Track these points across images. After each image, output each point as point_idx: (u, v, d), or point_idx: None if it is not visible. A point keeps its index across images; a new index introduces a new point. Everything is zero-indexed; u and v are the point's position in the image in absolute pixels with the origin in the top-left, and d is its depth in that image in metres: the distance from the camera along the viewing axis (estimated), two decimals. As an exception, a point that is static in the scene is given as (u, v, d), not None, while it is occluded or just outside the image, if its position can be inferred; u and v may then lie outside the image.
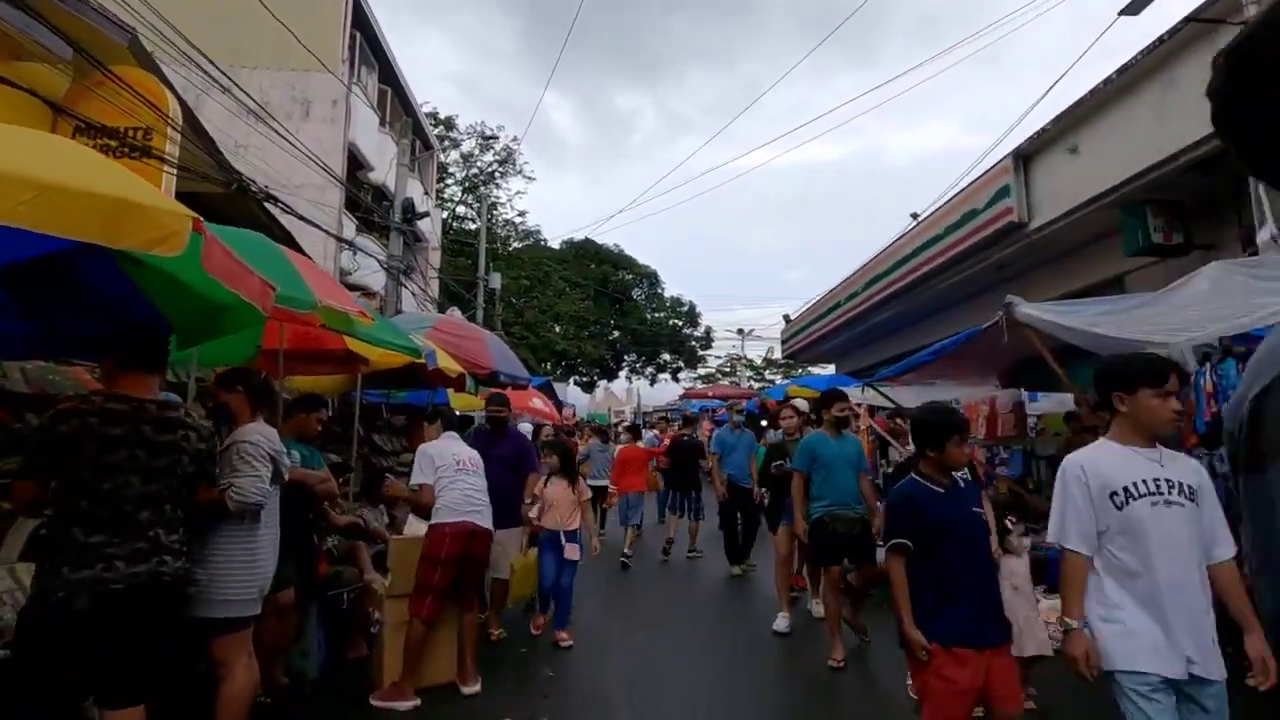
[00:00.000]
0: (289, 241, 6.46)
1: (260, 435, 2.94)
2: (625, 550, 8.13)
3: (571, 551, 4.99)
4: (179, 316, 2.71)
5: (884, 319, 15.65)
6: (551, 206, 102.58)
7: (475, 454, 4.38)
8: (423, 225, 19.92)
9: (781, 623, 5.35)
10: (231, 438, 2.92)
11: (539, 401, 12.80)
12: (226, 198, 6.59)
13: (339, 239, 12.43)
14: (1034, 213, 9.09)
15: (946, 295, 13.21)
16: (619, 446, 9.86)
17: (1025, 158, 9.18)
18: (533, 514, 5.10)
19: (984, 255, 10.39)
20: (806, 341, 20.09)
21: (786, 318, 21.71)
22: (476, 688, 3.96)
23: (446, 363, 5.30)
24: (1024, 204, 9.15)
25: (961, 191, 10.61)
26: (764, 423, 18.37)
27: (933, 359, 5.77)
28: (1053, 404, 9.32)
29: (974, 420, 7.91)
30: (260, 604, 2.87)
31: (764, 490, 6.50)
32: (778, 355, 43.33)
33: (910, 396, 7.59)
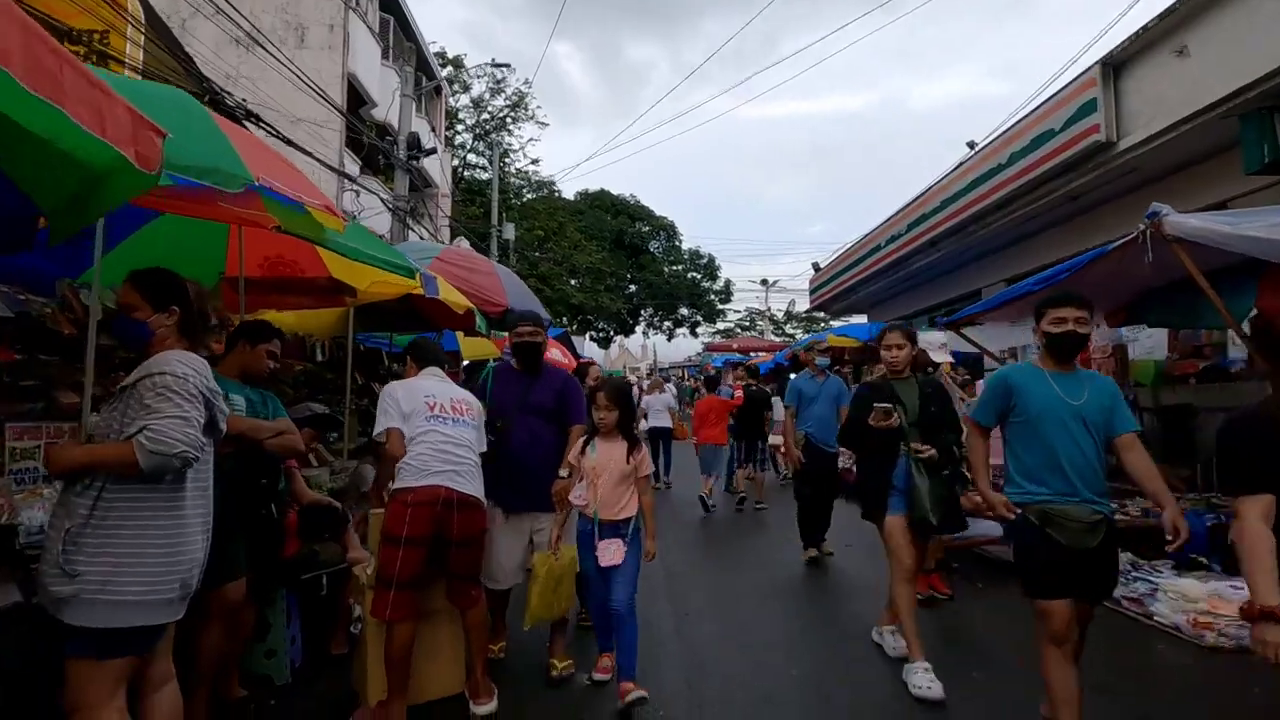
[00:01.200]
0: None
1: (186, 365, 2.05)
2: (706, 496, 8.71)
3: (611, 553, 3.22)
4: (34, 184, 1.79)
5: (926, 264, 14.53)
6: (565, 160, 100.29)
7: (465, 396, 3.33)
8: (432, 169, 18.88)
9: (921, 679, 3.32)
10: (142, 368, 2.04)
11: (558, 353, 11.91)
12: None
13: (340, 173, 11.43)
14: (1125, 130, 7.90)
15: (1001, 235, 12.05)
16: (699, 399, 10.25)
17: (1116, 67, 7.95)
18: (573, 496, 3.35)
19: (1055, 185, 9.22)
20: (837, 290, 18.95)
21: (816, 266, 20.53)
22: (491, 706, 3.03)
23: (451, 295, 4.40)
24: (1113, 121, 7.96)
25: (1033, 112, 9.38)
26: (793, 375, 17.53)
27: (1036, 288, 4.77)
28: (1143, 349, 8.31)
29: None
30: (184, 605, 2.02)
31: (848, 454, 5.49)
32: (800, 308, 42.38)
33: (992, 340, 6.62)
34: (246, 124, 6.29)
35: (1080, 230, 10.10)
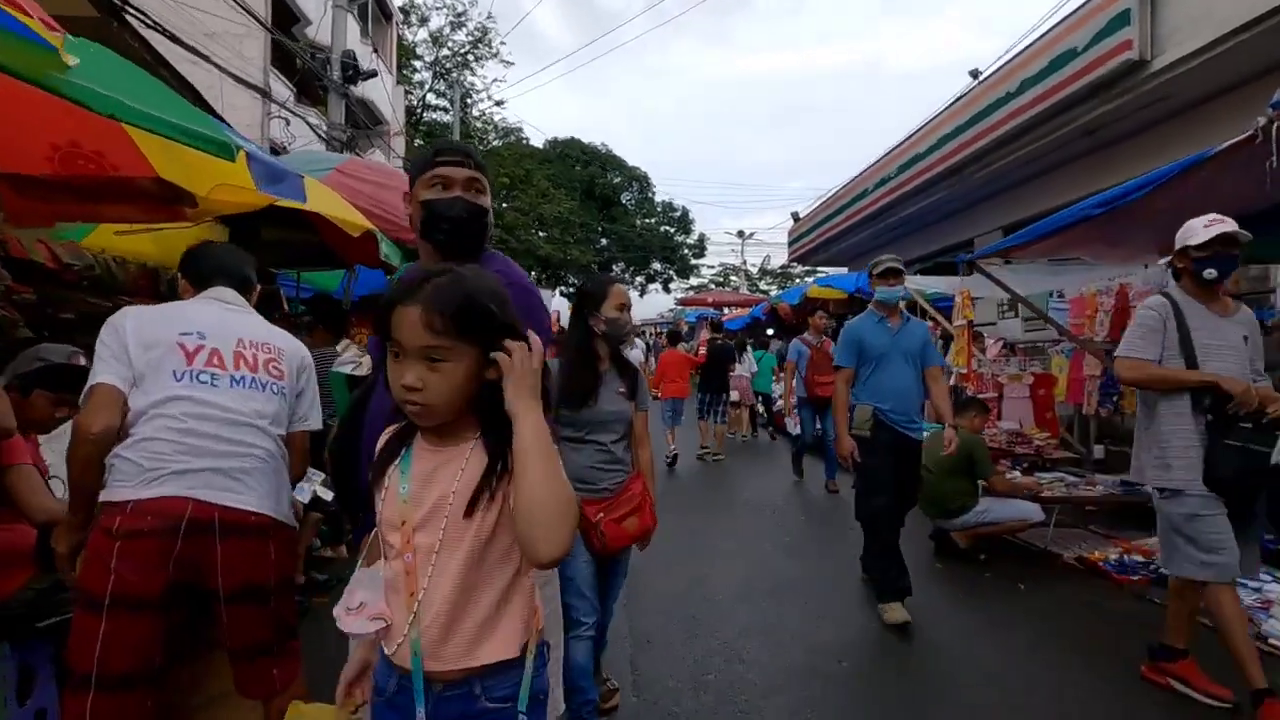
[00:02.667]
0: (196, 98, 4.02)
1: None
2: (670, 447, 8.69)
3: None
4: None
5: (916, 210, 13.56)
6: (533, 111, 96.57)
7: (275, 341, 2.09)
8: (380, 103, 17.21)
9: None
10: None
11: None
12: (97, 26, 4.21)
13: (261, 92, 9.90)
14: (1160, 48, 6.88)
15: (1001, 177, 11.09)
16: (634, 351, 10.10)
17: (1155, -29, 6.89)
18: None
19: (1073, 115, 8.21)
20: (818, 241, 17.92)
21: (795, 215, 19.42)
22: None
23: (337, 209, 3.24)
24: (1147, 36, 6.93)
25: (1051, 31, 8.29)
26: (770, 331, 16.62)
27: (1097, 212, 3.77)
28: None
29: (1089, 319, 6.05)
30: None
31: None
32: (775, 264, 41.36)
33: (1017, 284, 5.68)
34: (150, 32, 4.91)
35: (1090, 171, 9.15)
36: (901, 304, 4.10)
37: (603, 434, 2.47)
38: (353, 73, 10.43)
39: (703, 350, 9.71)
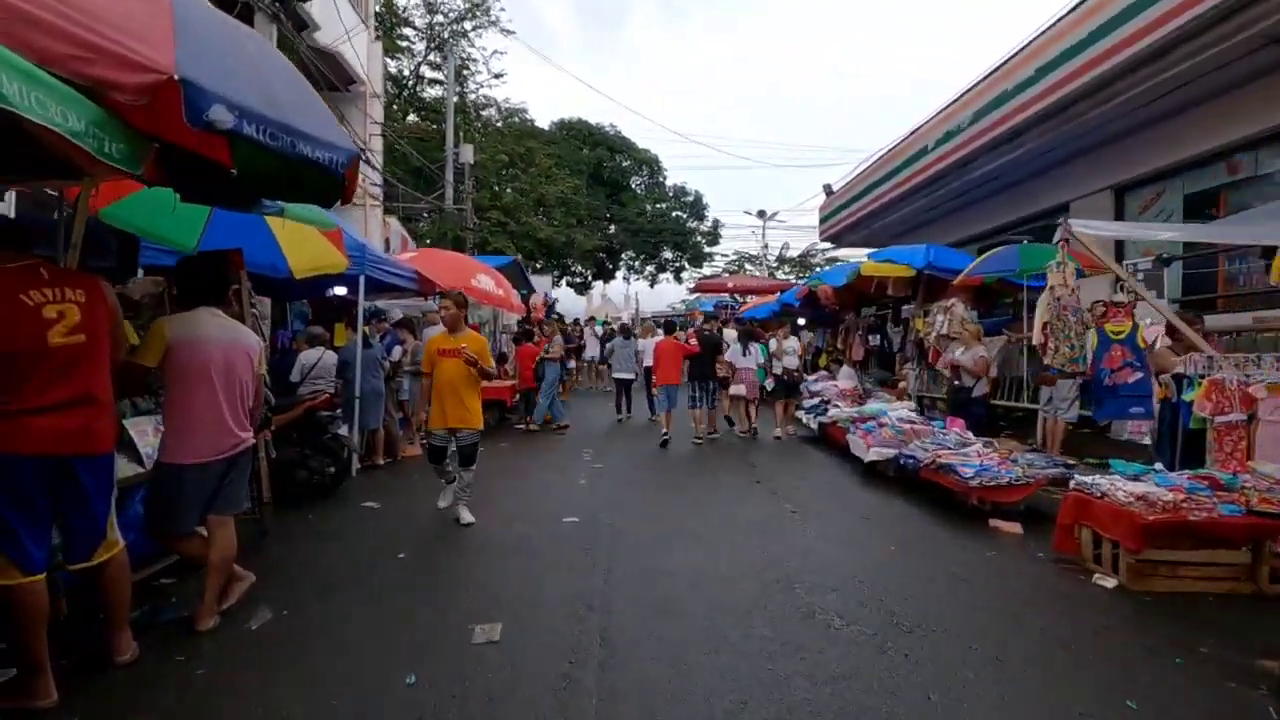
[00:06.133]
0: None
1: None
2: (664, 431, 9.06)
3: None
4: None
5: (993, 169, 11.25)
6: (539, 96, 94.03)
7: None
8: (350, 58, 14.99)
9: None
10: None
11: (485, 280, 8.57)
12: None
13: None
14: None
15: (1109, 123, 8.83)
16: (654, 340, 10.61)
17: None
18: None
19: (1222, 31, 5.91)
20: (856, 217, 15.63)
21: (828, 189, 17.11)
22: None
23: None
24: None
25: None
26: (800, 322, 14.37)
27: None
28: None
29: None
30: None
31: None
32: (792, 251, 38.94)
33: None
34: None
35: (1245, 108, 6.89)
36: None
37: None
38: (289, -8, 8.25)
39: (694, 340, 9.89)
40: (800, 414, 9.67)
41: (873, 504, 5.76)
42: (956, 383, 7.37)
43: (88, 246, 4.64)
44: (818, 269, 37.19)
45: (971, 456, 5.49)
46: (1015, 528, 4.90)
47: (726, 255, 40.18)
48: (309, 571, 4.05)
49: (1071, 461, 5.40)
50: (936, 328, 9.36)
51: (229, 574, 3.30)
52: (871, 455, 6.54)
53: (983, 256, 8.29)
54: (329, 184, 3.01)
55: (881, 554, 4.40)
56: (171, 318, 3.11)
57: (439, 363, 4.90)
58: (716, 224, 39.85)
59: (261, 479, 4.65)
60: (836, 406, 9.13)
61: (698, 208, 39.66)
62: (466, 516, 4.98)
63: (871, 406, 8.00)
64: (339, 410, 6.44)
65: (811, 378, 10.93)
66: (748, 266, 37.95)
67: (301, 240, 5.37)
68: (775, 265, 38.67)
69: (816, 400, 9.57)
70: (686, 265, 40.07)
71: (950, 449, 5.82)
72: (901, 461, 6.12)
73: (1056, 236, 4.54)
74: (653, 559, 4.25)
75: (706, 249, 40.01)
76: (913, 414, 7.69)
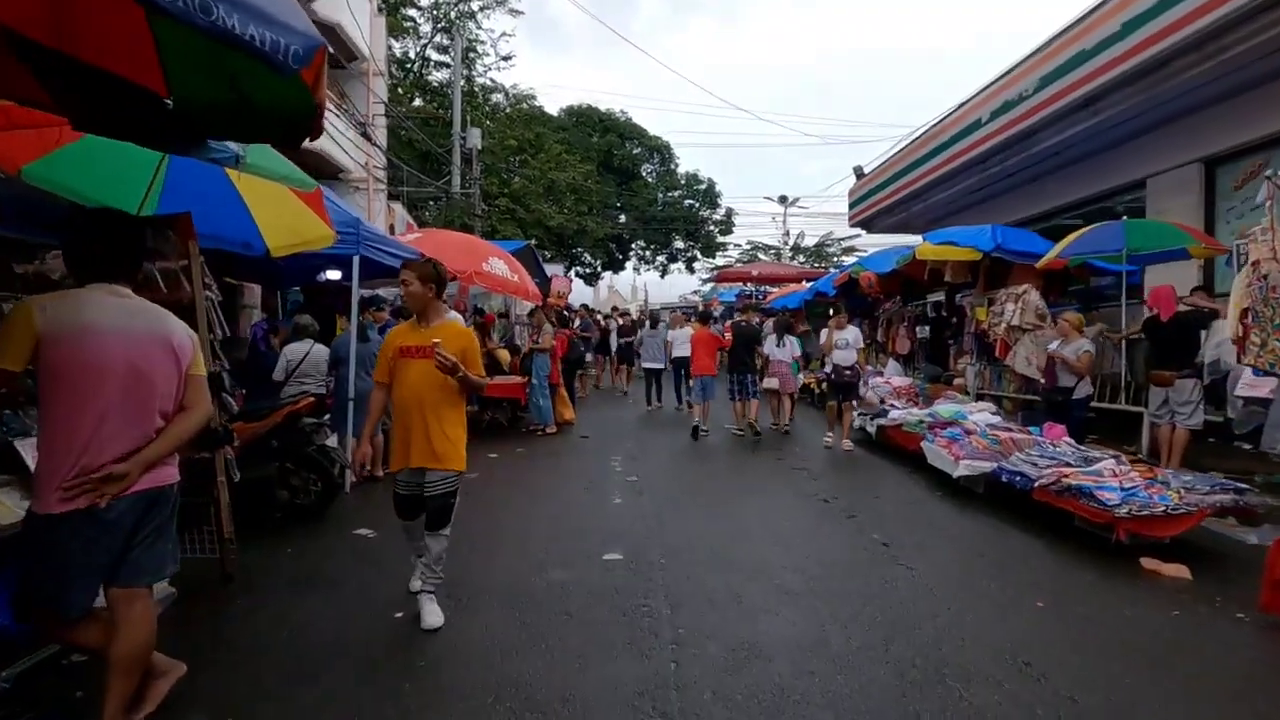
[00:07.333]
0: None
1: None
2: (696, 421, 8.85)
3: None
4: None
5: (1043, 150, 10.13)
6: (549, 86, 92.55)
7: None
8: (350, 29, 13.93)
9: None
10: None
11: (498, 265, 7.52)
12: None
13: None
14: None
15: (1188, 97, 7.79)
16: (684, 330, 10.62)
17: None
18: None
19: None
20: (892, 200, 14.48)
21: (859, 171, 15.94)
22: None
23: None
24: None
25: None
26: (830, 313, 13.27)
27: None
28: None
29: None
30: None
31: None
32: (809, 241, 37.67)
33: None
34: None
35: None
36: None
37: None
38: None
39: (729, 335, 9.83)
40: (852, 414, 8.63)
41: (978, 535, 4.70)
42: (1052, 383, 6.30)
43: (26, 213, 3.66)
44: (835, 260, 36.01)
45: (1106, 476, 4.42)
46: (1180, 571, 3.84)
47: (740, 244, 39.02)
48: (274, 642, 3.03)
49: (1242, 484, 4.33)
50: (1006, 318, 8.30)
51: (144, 670, 2.28)
52: (962, 470, 5.48)
53: (1075, 234, 7.18)
54: (280, 92, 1.98)
55: (1030, 614, 3.35)
56: (45, 299, 2.06)
57: (400, 367, 3.20)
58: (730, 213, 38.63)
59: (221, 510, 3.63)
60: (894, 406, 8.08)
61: (710, 196, 38.45)
62: (432, 617, 3.17)
63: (945, 408, 6.92)
64: (328, 416, 5.42)
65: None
66: (761, 256, 36.72)
67: (277, 209, 4.33)
68: (790, 255, 37.45)
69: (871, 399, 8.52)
70: (699, 254, 38.91)
71: (1073, 465, 4.75)
72: (1004, 479, 5.07)
73: (1261, 194, 3.49)
74: (733, 625, 3.20)
75: (720, 238, 38.83)
76: (996, 417, 6.62)
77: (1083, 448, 5.25)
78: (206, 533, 3.69)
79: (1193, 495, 4.15)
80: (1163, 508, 4.03)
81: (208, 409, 2.36)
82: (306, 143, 2.50)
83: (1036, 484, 4.69)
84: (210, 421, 3.64)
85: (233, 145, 3.00)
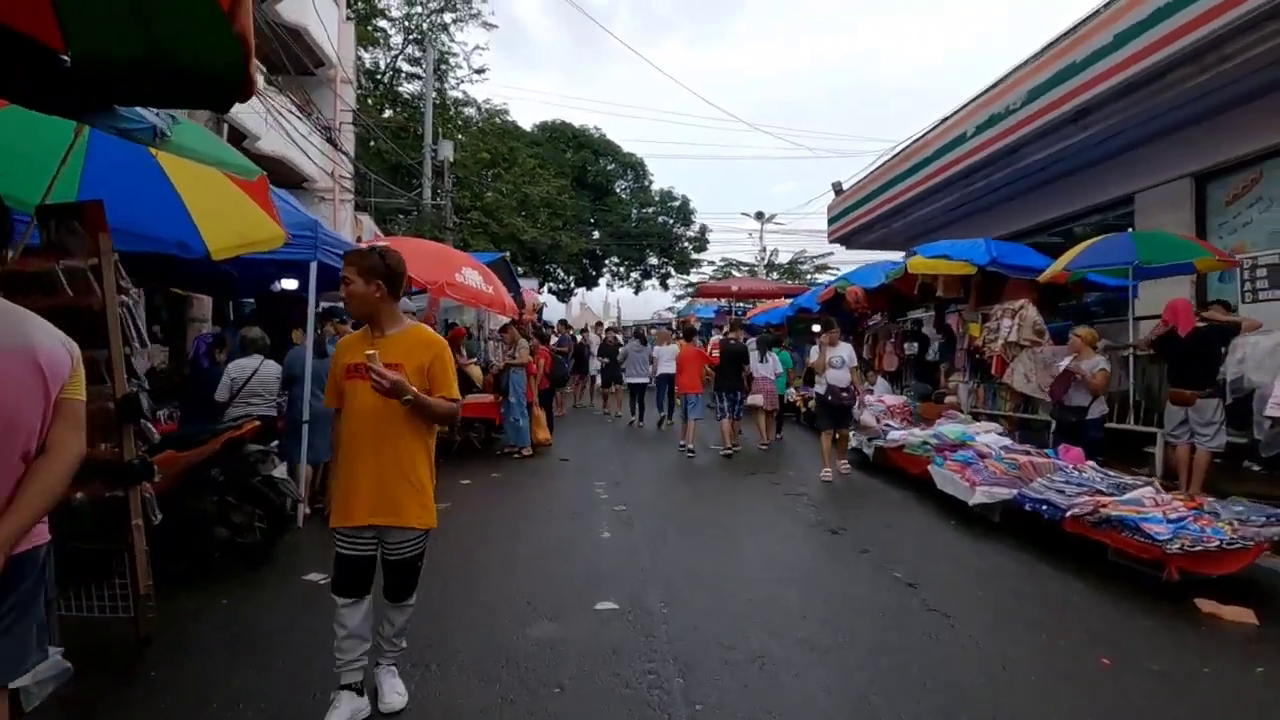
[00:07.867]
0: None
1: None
2: (682, 442, 8.73)
3: None
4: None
5: (1029, 165, 9.98)
6: (522, 103, 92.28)
7: None
8: (315, 30, 13.32)
9: None
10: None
11: (472, 275, 6.97)
12: None
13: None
14: None
15: (1180, 111, 7.67)
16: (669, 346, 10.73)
17: None
18: None
19: None
20: (872, 216, 14.28)
21: (838, 187, 15.75)
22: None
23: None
24: None
25: None
26: (816, 328, 12.93)
27: None
28: None
29: None
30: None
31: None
32: (782, 258, 37.66)
33: None
34: None
35: None
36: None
37: None
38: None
39: (716, 352, 9.62)
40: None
41: (1007, 571, 4.25)
42: (1061, 401, 5.94)
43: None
44: (810, 277, 36.04)
45: (1148, 506, 4.03)
46: (1244, 615, 3.43)
47: (714, 261, 38.88)
48: (193, 732, 2.43)
49: (1298, 515, 3.96)
50: (1003, 334, 8.00)
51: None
52: (979, 497, 5.05)
53: (1081, 247, 6.90)
54: (194, 24, 1.45)
55: (1098, 675, 2.88)
56: None
57: (349, 390, 2.50)
58: (704, 229, 38.47)
59: (137, 559, 3.00)
60: (891, 426, 7.69)
61: (684, 212, 38.29)
62: (393, 696, 2.56)
63: (950, 428, 6.53)
64: (276, 443, 4.79)
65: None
66: (734, 274, 36.57)
67: (215, 201, 3.74)
68: (765, 272, 37.38)
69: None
70: (673, 271, 38.65)
71: (1105, 493, 4.35)
72: (1028, 507, 4.65)
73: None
74: (757, 694, 2.66)
75: (694, 255, 38.63)
76: (1007, 439, 6.24)
77: (1112, 473, 4.86)
78: (119, 587, 3.05)
79: (1248, 528, 3.76)
80: (1217, 542, 3.63)
81: (78, 448, 1.74)
82: (239, 107, 1.98)
83: (1068, 514, 4.28)
84: (125, 454, 3.04)
85: (148, 114, 2.41)
